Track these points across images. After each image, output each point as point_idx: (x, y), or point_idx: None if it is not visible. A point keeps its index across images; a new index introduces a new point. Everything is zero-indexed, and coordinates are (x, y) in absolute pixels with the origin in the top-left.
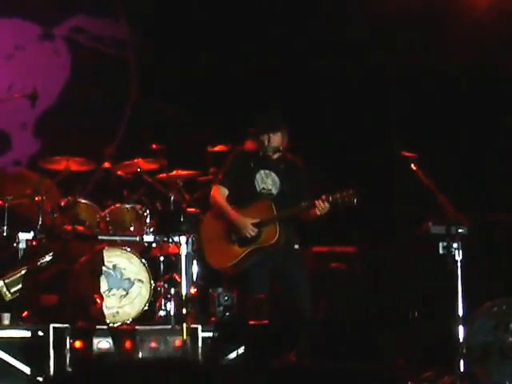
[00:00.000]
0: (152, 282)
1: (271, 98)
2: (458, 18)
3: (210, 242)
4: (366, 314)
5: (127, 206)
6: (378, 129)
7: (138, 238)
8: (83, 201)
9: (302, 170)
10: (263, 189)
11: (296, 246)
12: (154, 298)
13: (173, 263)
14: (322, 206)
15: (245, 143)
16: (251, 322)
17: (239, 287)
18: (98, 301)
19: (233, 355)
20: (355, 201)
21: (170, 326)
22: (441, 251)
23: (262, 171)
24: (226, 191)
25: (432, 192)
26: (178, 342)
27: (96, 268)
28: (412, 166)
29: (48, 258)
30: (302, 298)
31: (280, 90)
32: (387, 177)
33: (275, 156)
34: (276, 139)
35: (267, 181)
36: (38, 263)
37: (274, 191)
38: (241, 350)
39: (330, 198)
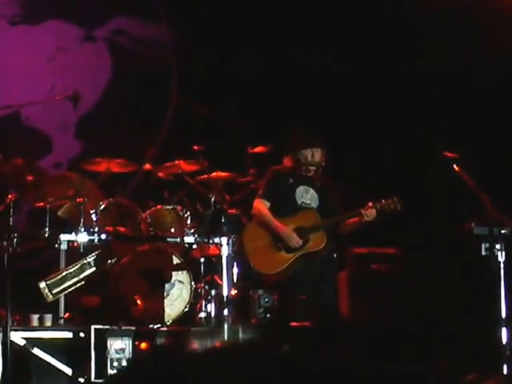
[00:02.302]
0: (192, 283)
1: (309, 98)
2: (497, 19)
3: (257, 250)
4: (407, 315)
5: (168, 207)
6: (417, 129)
7: (178, 240)
8: (124, 202)
9: (335, 192)
10: (303, 203)
11: (334, 255)
12: (195, 299)
13: (213, 265)
14: (368, 213)
15: (283, 162)
16: (293, 324)
17: (280, 289)
18: (139, 302)
19: None
20: (399, 207)
21: (210, 328)
22: (483, 252)
23: (301, 187)
24: (268, 204)
25: (475, 192)
26: (218, 344)
27: (141, 268)
28: (454, 166)
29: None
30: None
31: (317, 90)
32: (428, 177)
33: (311, 174)
34: (318, 154)
35: (306, 196)
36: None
37: (314, 205)
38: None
39: (377, 206)
